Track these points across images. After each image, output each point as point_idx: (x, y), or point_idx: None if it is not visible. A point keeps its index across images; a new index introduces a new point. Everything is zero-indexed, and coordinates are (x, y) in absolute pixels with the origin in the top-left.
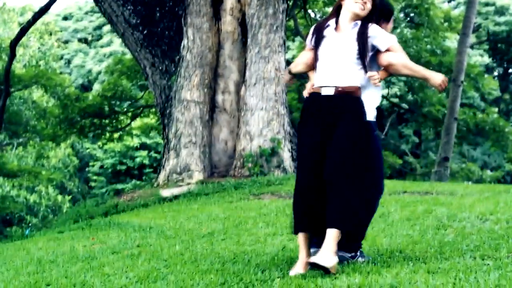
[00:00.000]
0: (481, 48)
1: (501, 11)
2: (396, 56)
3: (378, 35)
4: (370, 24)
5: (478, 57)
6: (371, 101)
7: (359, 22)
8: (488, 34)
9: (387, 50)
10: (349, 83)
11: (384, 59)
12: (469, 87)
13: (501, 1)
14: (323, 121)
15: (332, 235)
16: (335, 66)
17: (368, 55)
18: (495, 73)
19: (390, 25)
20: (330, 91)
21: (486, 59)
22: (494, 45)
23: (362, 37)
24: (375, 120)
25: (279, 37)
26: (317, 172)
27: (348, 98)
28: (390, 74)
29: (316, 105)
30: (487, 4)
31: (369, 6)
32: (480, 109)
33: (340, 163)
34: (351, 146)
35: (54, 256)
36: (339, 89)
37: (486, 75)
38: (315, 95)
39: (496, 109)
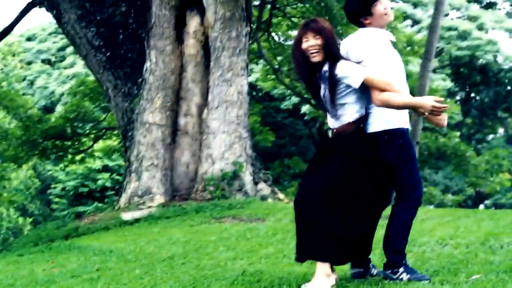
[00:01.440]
0: (444, 72)
1: (463, 35)
2: (376, 99)
3: (347, 74)
4: (338, 62)
5: (441, 81)
6: (375, 112)
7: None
8: (451, 58)
9: (364, 83)
10: (341, 123)
11: (374, 103)
12: None
13: (463, 26)
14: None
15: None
16: (327, 108)
17: (343, 93)
18: (457, 98)
19: (378, 10)
20: (331, 134)
21: (449, 84)
22: (457, 69)
23: (330, 81)
24: (395, 127)
25: (242, 60)
26: None
27: (343, 138)
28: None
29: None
30: (449, 29)
31: (319, 50)
32: (442, 133)
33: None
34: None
35: (13, 280)
36: (334, 131)
37: (448, 99)
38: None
39: (458, 133)
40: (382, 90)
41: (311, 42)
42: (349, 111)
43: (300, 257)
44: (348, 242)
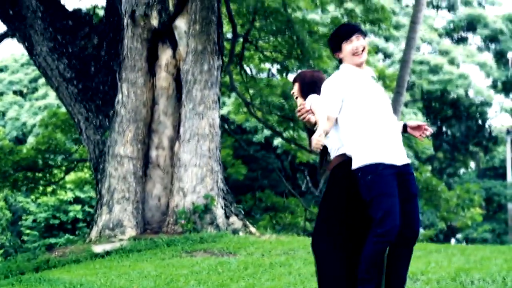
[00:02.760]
0: (415, 106)
1: (435, 70)
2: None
3: (307, 103)
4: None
5: (412, 115)
6: (356, 146)
7: None
8: (422, 92)
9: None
10: (331, 157)
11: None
12: (403, 145)
13: (435, 60)
14: None
15: None
16: None
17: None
18: None
19: (346, 48)
20: None
21: (420, 117)
22: (428, 103)
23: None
24: (367, 163)
25: (213, 93)
26: None
27: (331, 171)
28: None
29: None
30: (421, 63)
31: (298, 96)
32: (413, 168)
33: None
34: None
35: None
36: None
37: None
38: None
39: (430, 168)
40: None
41: (293, 89)
42: (333, 146)
43: None
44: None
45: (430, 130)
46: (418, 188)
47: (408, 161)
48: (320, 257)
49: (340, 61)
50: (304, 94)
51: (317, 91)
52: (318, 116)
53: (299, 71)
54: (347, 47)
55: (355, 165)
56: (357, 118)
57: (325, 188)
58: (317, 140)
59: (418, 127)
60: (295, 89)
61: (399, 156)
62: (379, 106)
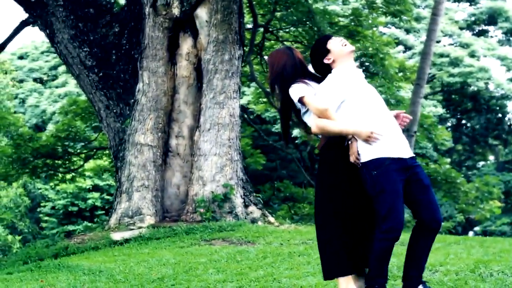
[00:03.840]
0: (435, 98)
1: (455, 62)
2: (312, 124)
3: (292, 95)
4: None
5: (432, 108)
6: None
7: None
8: (442, 85)
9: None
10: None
11: (312, 130)
12: (422, 137)
13: (455, 53)
14: None
15: None
16: None
17: (302, 113)
18: (448, 124)
19: (334, 42)
20: None
21: (440, 110)
22: (448, 96)
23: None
24: (372, 158)
25: (234, 83)
26: None
27: (320, 152)
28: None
29: None
30: (441, 55)
31: (267, 81)
32: (432, 160)
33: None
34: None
35: None
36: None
37: (439, 126)
38: None
39: (449, 160)
40: (319, 116)
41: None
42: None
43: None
44: (340, 253)
45: (409, 117)
46: (428, 178)
47: (413, 154)
48: (318, 231)
49: (329, 69)
50: (277, 82)
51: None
52: (328, 114)
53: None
54: (333, 42)
55: (362, 159)
56: (360, 116)
57: (317, 167)
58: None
59: (397, 116)
60: (267, 76)
61: (404, 149)
62: (378, 103)
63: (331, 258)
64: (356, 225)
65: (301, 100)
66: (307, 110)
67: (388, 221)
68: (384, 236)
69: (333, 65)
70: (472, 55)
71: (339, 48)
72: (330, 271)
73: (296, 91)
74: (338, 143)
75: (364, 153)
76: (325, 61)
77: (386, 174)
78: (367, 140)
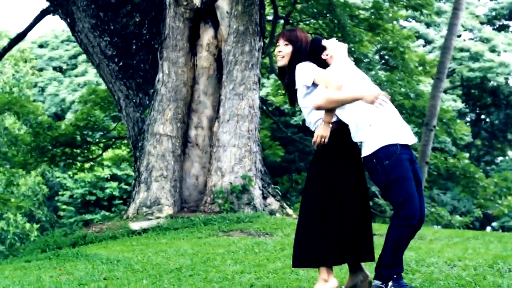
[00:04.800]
0: (455, 93)
1: (475, 57)
2: (316, 97)
3: (300, 74)
4: (297, 66)
5: (451, 102)
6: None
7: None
8: (462, 79)
9: (314, 83)
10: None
11: (312, 105)
12: (442, 132)
13: (475, 48)
14: None
15: None
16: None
17: (302, 96)
18: (468, 119)
19: (329, 40)
20: None
21: (459, 104)
22: (468, 90)
23: (289, 84)
24: (384, 145)
25: (254, 74)
26: None
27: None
28: (332, 112)
29: None
30: (461, 50)
31: (284, 56)
32: (451, 154)
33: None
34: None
35: (20, 286)
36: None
37: (458, 120)
38: None
39: (467, 155)
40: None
41: (279, 48)
42: (312, 119)
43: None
44: (327, 240)
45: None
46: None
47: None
48: (306, 219)
49: (326, 65)
50: (295, 58)
51: (307, 59)
52: (326, 84)
53: (287, 30)
54: (328, 41)
55: (370, 150)
56: (365, 104)
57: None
58: (322, 134)
59: None
60: (285, 51)
61: (410, 135)
62: (362, 80)
63: (321, 246)
64: (349, 216)
65: (313, 80)
66: (308, 93)
67: (406, 207)
68: (403, 223)
69: (330, 60)
70: (492, 50)
71: (336, 44)
72: (318, 259)
73: (309, 69)
74: (336, 131)
75: (375, 141)
76: (323, 56)
77: (400, 163)
78: (372, 102)
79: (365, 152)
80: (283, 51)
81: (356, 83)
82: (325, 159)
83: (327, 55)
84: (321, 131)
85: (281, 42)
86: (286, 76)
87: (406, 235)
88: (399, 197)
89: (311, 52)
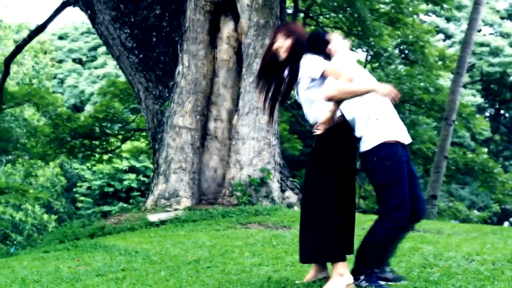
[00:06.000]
0: (474, 88)
1: (495, 52)
2: (328, 88)
3: (308, 65)
4: (302, 58)
5: (471, 97)
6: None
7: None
8: (482, 74)
9: (323, 75)
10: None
11: (323, 95)
12: (460, 127)
13: (495, 43)
14: None
15: None
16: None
17: (305, 88)
18: (487, 114)
19: (331, 35)
20: None
21: (479, 99)
22: (487, 85)
23: (290, 75)
24: (384, 141)
25: None
26: None
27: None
28: (340, 103)
29: None
30: (481, 45)
31: (284, 49)
32: (470, 149)
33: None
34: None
35: (39, 276)
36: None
37: (477, 115)
38: None
39: (486, 150)
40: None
41: (279, 43)
42: (312, 115)
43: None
44: (340, 234)
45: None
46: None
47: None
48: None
49: (329, 57)
50: (295, 51)
51: (308, 51)
52: (339, 73)
53: (283, 24)
54: (332, 35)
55: (372, 144)
56: (367, 100)
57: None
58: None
59: None
60: (284, 44)
61: (407, 135)
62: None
63: (336, 240)
64: (350, 209)
65: (322, 72)
66: (313, 86)
67: (400, 210)
68: (394, 225)
69: (333, 54)
70: None
71: (339, 39)
72: (334, 254)
73: (317, 61)
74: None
75: (375, 137)
76: (327, 51)
77: (400, 165)
78: (385, 95)
79: (366, 146)
80: (283, 46)
81: (364, 77)
82: (328, 155)
83: (330, 49)
84: (325, 121)
85: (280, 37)
86: (284, 70)
87: (393, 237)
88: (394, 200)
89: (314, 45)
